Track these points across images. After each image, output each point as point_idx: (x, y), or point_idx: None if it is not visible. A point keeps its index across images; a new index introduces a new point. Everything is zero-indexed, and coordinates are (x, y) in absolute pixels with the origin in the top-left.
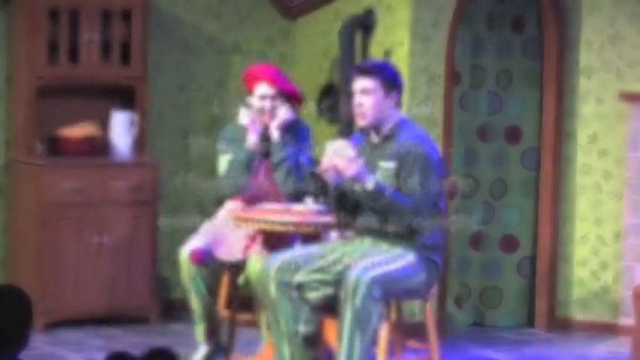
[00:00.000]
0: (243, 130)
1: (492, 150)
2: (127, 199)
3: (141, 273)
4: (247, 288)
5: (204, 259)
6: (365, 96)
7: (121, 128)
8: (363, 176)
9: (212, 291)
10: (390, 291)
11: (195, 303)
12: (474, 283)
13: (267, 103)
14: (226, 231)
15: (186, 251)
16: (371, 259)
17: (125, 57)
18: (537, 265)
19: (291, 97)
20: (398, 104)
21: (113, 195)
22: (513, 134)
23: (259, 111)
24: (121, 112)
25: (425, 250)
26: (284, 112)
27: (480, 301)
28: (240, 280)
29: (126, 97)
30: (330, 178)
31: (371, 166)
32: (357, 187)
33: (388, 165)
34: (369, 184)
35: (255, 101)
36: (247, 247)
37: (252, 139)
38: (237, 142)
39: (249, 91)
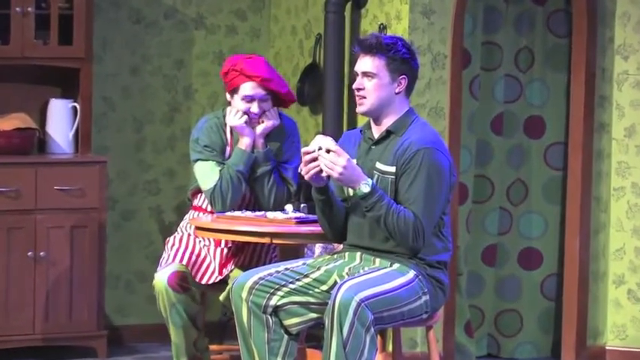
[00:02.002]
0: (219, 131)
1: (510, 145)
2: (68, 205)
3: (85, 295)
4: (228, 306)
5: (185, 283)
6: (367, 78)
7: (60, 119)
8: (353, 176)
9: (195, 320)
10: (385, 316)
11: (176, 335)
12: (488, 307)
13: (255, 107)
14: (200, 248)
15: (163, 277)
16: (362, 277)
17: (65, 34)
18: (564, 285)
19: (281, 98)
20: (408, 93)
21: (51, 200)
22: (535, 126)
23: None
24: (60, 99)
25: (428, 266)
26: (271, 118)
27: (495, 328)
28: (222, 296)
29: (66, 82)
30: (313, 173)
31: (367, 167)
32: (350, 192)
33: (386, 168)
34: (364, 187)
35: (237, 102)
36: (224, 265)
37: (245, 143)
38: (219, 146)
39: (231, 88)
